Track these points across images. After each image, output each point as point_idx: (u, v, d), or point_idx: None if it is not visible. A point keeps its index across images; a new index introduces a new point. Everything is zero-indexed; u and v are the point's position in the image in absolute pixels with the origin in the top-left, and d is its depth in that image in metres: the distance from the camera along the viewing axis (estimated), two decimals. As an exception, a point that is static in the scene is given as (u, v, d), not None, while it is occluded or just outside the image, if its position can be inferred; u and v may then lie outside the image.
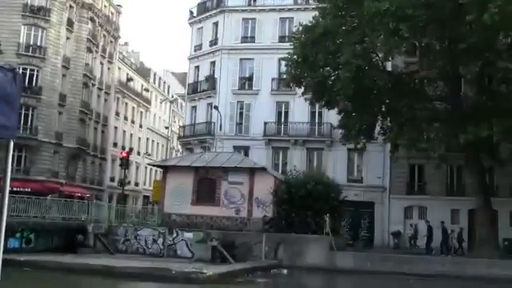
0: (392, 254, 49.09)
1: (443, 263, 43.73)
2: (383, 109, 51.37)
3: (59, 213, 48.06)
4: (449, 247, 50.20)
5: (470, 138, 43.59)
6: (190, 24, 77.03)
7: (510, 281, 39.27)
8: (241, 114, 68.37)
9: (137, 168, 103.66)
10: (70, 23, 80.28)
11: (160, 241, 46.36)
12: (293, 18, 66.77)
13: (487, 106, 46.78)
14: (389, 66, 54.07)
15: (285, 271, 41.92)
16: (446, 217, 57.50)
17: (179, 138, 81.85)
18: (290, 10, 68.71)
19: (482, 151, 50.47)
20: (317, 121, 65.19)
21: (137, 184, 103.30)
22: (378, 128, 52.73)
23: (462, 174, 58.97)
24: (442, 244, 49.93)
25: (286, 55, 51.95)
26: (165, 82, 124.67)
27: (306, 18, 53.62)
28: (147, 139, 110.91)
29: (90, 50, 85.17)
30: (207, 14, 74.29)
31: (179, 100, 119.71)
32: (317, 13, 51.14)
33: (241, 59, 69.43)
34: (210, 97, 70.28)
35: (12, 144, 6.53)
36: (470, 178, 53.45)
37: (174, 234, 46.06)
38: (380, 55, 48.62)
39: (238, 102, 68.45)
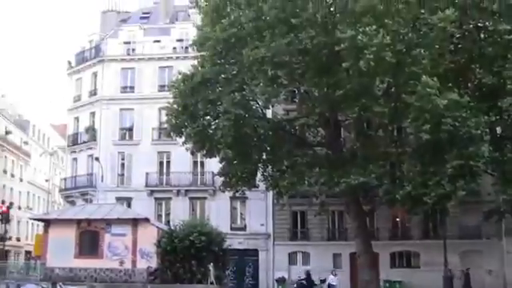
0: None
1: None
2: (264, 156, 51.31)
3: None
4: None
5: (350, 183, 44.04)
6: (69, 75, 75.56)
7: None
8: (122, 164, 67.51)
9: (18, 222, 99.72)
10: None
11: (44, 295, 44.91)
12: (172, 66, 66.04)
13: (365, 151, 47.32)
14: (269, 113, 54.23)
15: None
16: (329, 261, 58.27)
17: (60, 190, 79.46)
18: (169, 58, 68.43)
19: (361, 195, 51.28)
20: (199, 170, 65.01)
21: (18, 239, 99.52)
22: (259, 175, 52.76)
23: (343, 219, 59.81)
24: None
25: (167, 104, 51.45)
26: (44, 134, 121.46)
27: (186, 66, 52.28)
28: (28, 193, 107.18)
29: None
30: (86, 64, 73.21)
31: (59, 152, 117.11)
32: (196, 61, 50.81)
33: (121, 109, 68.70)
34: (90, 148, 69.15)
35: None
36: (350, 223, 54.24)
37: (58, 288, 44.77)
38: (260, 103, 48.85)
39: (118, 152, 67.57)
